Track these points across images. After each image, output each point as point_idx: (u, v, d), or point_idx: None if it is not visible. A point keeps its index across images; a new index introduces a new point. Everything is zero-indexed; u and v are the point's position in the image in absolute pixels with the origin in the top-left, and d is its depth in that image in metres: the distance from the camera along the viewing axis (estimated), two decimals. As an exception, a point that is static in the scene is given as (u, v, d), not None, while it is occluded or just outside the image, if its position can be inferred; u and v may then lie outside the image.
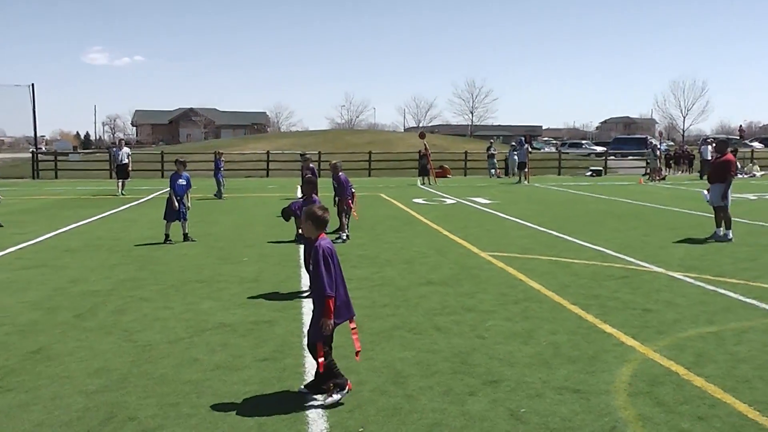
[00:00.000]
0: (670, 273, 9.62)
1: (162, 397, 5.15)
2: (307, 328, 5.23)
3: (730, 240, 12.41)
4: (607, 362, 5.85)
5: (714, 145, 33.53)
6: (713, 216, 13.09)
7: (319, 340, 4.96)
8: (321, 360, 4.92)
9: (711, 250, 11.53)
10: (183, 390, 5.30)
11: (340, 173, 13.12)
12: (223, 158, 23.31)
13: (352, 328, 5.13)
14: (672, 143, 43.51)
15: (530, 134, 42.18)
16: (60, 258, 11.19)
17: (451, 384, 5.38)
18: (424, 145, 30.32)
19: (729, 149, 13.02)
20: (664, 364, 5.78)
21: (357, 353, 5.11)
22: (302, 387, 5.26)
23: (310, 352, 5.14)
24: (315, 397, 5.09)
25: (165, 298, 8.42)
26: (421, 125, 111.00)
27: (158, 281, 9.39)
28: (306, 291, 8.81)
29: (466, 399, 5.09)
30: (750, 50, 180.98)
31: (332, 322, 4.89)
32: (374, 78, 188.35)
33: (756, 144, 64.19)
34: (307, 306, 7.93)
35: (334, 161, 13.49)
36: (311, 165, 16.60)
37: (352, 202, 13.21)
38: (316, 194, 9.77)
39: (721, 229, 12.71)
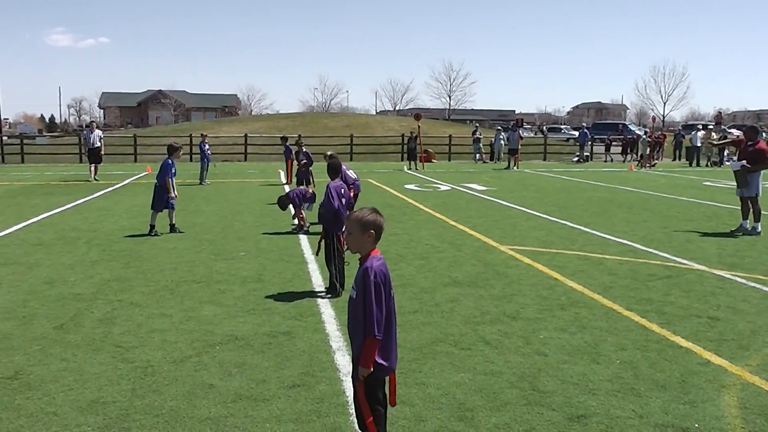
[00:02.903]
0: (715, 272, 8.79)
1: (177, 443, 4.13)
2: (351, 370, 3.76)
3: (759, 233, 11.65)
4: (702, 388, 4.96)
5: (715, 131, 33.18)
6: (739, 207, 12.28)
7: (361, 386, 3.62)
8: (371, 428, 3.58)
9: (744, 246, 10.74)
10: (202, 432, 4.29)
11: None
12: (207, 141, 21.99)
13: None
14: (647, 129, 43.11)
15: (521, 119, 41.36)
16: (32, 254, 9.98)
17: (530, 420, 4.44)
18: (419, 126, 29.41)
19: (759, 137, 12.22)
20: (771, 390, 4.91)
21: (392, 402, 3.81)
22: None
23: (356, 410, 3.75)
24: None
25: (159, 303, 7.33)
26: (397, 109, 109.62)
27: (148, 281, 8.28)
28: (321, 291, 7.81)
29: (557, 443, 4.16)
30: (719, 39, 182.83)
31: (371, 370, 3.56)
32: (349, 60, 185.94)
33: (734, 131, 64.28)
34: (326, 312, 6.94)
35: (329, 152, 12.14)
36: (305, 149, 15.54)
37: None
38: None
39: (748, 221, 11.94)
